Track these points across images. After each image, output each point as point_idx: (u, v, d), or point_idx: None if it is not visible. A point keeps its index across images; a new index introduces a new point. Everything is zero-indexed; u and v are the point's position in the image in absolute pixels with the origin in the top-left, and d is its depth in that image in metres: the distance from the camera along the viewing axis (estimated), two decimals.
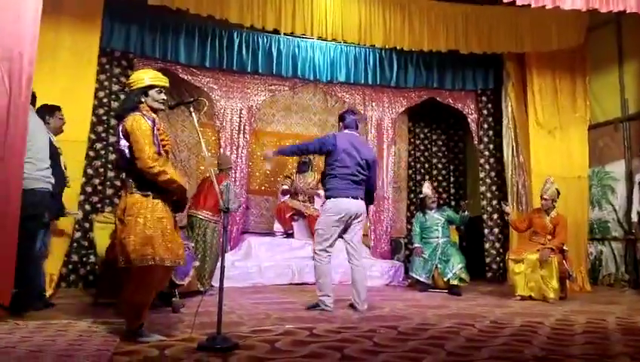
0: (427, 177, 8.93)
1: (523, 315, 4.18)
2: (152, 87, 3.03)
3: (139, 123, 2.88)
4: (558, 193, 5.68)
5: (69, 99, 5.19)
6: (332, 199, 4.38)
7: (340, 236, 4.49)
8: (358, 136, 4.62)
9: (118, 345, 2.76)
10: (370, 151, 4.66)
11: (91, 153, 6.00)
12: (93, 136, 6.01)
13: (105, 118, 6.19)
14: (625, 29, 6.62)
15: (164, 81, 3.09)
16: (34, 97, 4.05)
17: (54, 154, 4.18)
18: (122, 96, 6.19)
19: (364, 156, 4.45)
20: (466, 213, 6.35)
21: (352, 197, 4.36)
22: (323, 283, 4.39)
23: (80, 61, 5.48)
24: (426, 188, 6.63)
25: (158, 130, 2.96)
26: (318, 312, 4.20)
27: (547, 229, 5.55)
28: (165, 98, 3.08)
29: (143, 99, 3.01)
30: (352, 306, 4.42)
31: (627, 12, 5.24)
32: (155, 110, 3.05)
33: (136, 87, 3.03)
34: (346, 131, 4.55)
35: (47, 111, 4.35)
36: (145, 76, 3.06)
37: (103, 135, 6.15)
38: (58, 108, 4.48)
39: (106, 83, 6.28)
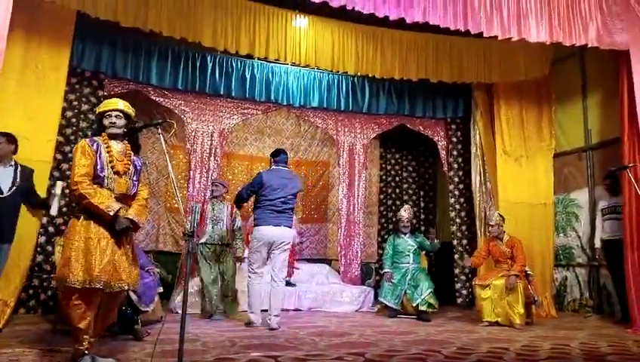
0: (398, 202, 9.02)
1: (489, 341, 4.20)
2: (102, 114, 3.12)
3: (77, 147, 2.99)
4: (502, 218, 5.88)
5: (34, 118, 5.08)
6: (257, 227, 4.94)
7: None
8: (286, 171, 5.21)
9: None
10: (296, 183, 5.19)
11: (57, 173, 5.85)
12: (59, 157, 5.89)
13: (73, 137, 6.08)
14: (588, 62, 6.86)
15: (110, 105, 3.13)
16: None
17: None
18: (91, 116, 6.13)
19: (290, 190, 5.05)
20: (436, 241, 6.43)
21: (274, 225, 4.90)
22: (252, 302, 4.93)
23: (47, 80, 5.34)
24: (403, 211, 6.66)
25: (108, 152, 3.01)
26: (285, 339, 4.13)
27: (506, 255, 5.68)
28: (114, 121, 3.09)
29: (102, 127, 3.12)
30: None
31: (589, 46, 5.46)
32: (112, 135, 3.09)
33: (96, 117, 3.19)
34: (275, 167, 5.18)
35: None
36: (98, 107, 3.19)
37: (70, 155, 6.02)
38: (2, 135, 4.32)
39: (75, 103, 6.20)
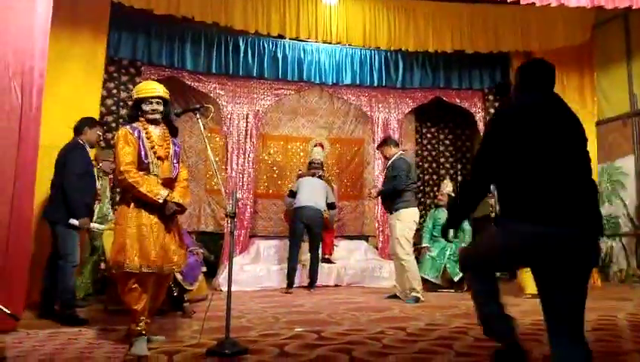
0: (435, 177, 8.95)
1: (532, 313, 4.14)
2: (141, 100, 3.11)
3: (119, 136, 3.01)
4: None
5: (74, 108, 5.19)
6: (413, 208, 5.26)
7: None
8: None
9: (127, 352, 2.80)
10: None
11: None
12: (102, 144, 6.07)
13: (113, 125, 6.26)
14: (632, 24, 6.56)
15: (150, 92, 3.11)
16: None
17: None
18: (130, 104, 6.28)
19: None
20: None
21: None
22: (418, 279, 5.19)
23: (85, 70, 5.47)
24: (443, 186, 6.63)
25: (149, 138, 3.04)
26: (327, 315, 4.21)
27: None
28: (155, 108, 3.10)
29: (140, 112, 3.12)
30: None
31: (633, 8, 5.20)
32: (151, 121, 3.11)
33: (132, 101, 3.18)
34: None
35: (89, 123, 4.37)
36: (135, 91, 3.19)
37: (113, 142, 6.19)
38: (100, 124, 4.67)
39: (114, 91, 6.39)
